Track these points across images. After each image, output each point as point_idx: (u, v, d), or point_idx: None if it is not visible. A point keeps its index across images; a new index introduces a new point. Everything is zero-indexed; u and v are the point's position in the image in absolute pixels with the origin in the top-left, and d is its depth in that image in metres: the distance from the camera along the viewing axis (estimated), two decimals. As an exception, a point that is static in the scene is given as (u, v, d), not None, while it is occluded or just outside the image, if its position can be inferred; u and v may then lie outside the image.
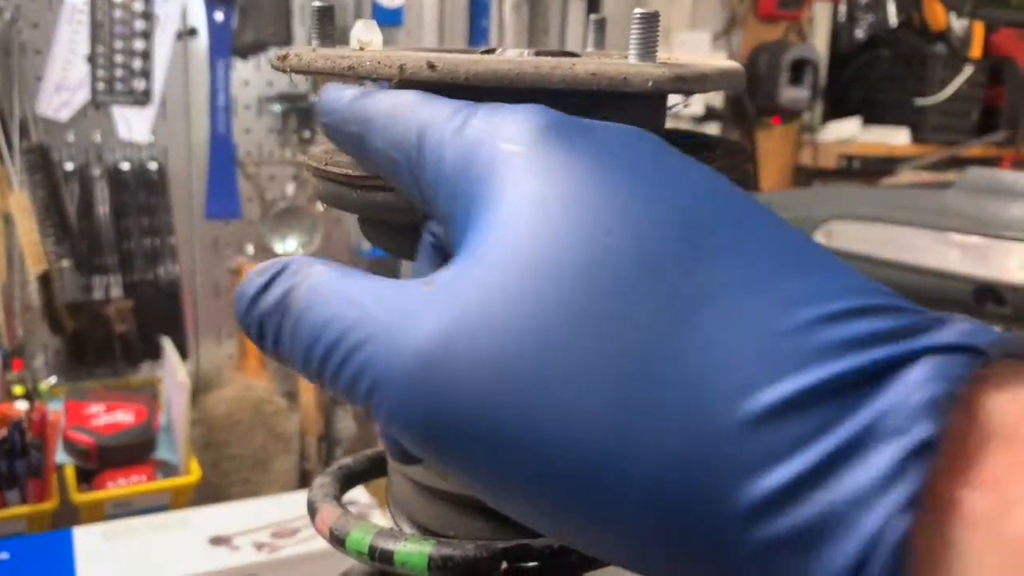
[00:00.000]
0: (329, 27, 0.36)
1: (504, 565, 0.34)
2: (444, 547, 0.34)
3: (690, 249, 0.20)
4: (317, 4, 0.35)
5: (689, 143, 0.34)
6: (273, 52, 1.72)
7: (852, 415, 0.17)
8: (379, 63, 0.30)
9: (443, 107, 0.26)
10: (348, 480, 0.46)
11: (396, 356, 0.21)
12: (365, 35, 0.35)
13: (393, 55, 0.30)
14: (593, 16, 0.39)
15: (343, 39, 0.35)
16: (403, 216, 0.33)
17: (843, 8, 2.50)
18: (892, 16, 2.47)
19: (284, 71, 0.34)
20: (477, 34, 1.80)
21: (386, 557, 0.35)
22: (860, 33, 2.51)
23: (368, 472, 0.47)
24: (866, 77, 2.53)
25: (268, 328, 0.24)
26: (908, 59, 2.48)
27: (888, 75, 2.53)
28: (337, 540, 0.37)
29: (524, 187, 0.22)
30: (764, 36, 2.32)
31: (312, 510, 0.42)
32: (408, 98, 0.27)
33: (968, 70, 2.46)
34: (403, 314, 0.21)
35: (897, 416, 0.17)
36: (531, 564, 0.34)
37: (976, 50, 2.47)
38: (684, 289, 0.19)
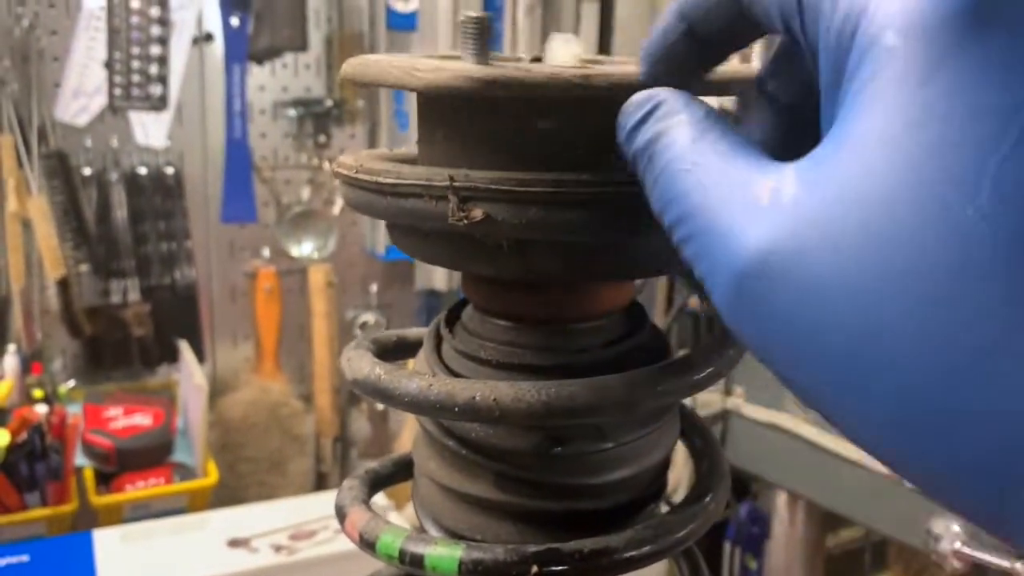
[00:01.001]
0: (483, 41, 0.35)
1: (534, 569, 0.34)
2: (474, 551, 0.34)
3: None
4: (469, 15, 0.34)
5: None
6: (288, 56, 1.72)
7: None
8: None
9: None
10: (375, 484, 0.46)
11: (725, 260, 0.22)
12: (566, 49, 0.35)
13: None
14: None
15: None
16: (433, 222, 0.33)
17: None
18: None
19: None
20: (491, 38, 1.79)
21: (417, 561, 0.35)
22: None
23: (394, 475, 0.47)
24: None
25: (639, 165, 0.26)
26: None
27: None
28: (367, 543, 0.37)
29: (893, 107, 0.19)
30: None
31: (341, 514, 0.42)
32: None
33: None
34: (740, 214, 0.22)
35: None
36: (560, 568, 0.34)
37: None
38: None
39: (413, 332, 0.48)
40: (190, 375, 1.51)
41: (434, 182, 0.32)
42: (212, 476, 1.48)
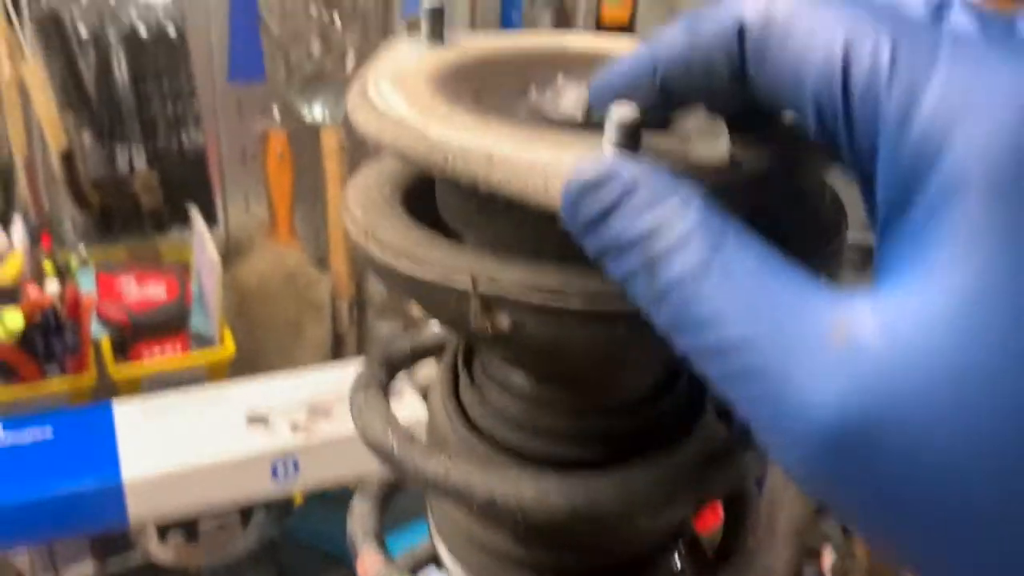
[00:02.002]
0: (439, 27, 0.33)
1: None
2: None
3: None
4: (428, 5, 0.33)
5: None
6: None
7: None
8: None
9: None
10: (388, 499, 0.44)
11: (794, 421, 0.18)
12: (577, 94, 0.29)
13: None
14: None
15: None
16: (453, 318, 0.29)
17: None
18: None
19: None
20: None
21: None
22: None
23: (396, 487, 0.45)
24: None
25: (618, 264, 0.22)
26: None
27: None
28: None
29: (1000, 258, 0.17)
30: None
31: (353, 548, 0.40)
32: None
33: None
34: (807, 361, 0.18)
35: None
36: None
37: None
38: None
39: (427, 337, 0.45)
40: (203, 245, 1.48)
41: (455, 283, 0.28)
42: (229, 346, 1.48)
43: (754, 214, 0.28)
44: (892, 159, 0.19)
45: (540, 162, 0.25)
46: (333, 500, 1.42)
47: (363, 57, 1.69)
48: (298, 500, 1.45)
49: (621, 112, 0.23)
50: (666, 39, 0.23)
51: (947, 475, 0.17)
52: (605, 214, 0.22)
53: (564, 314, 0.26)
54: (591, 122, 0.28)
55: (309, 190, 1.76)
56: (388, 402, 0.37)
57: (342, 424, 1.31)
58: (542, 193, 0.24)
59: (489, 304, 0.27)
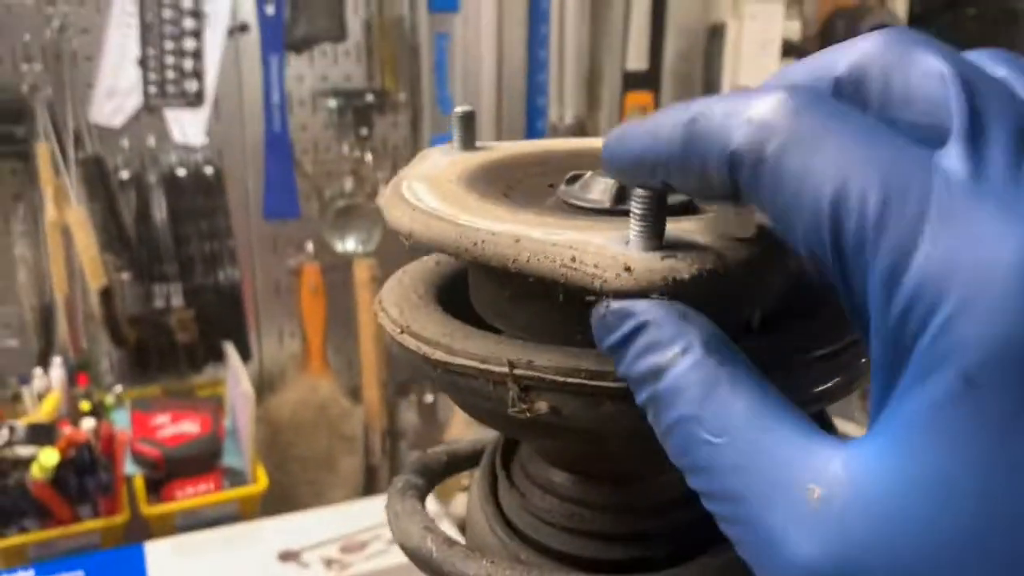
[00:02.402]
0: (470, 132, 0.34)
1: None
2: None
3: None
4: (459, 111, 0.33)
5: None
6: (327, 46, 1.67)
7: None
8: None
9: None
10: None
11: (772, 569, 0.20)
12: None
13: None
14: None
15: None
16: (490, 405, 0.28)
17: (923, -36, 2.35)
18: (977, -30, 2.31)
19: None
20: (537, 16, 1.73)
21: None
22: (941, -10, 2.36)
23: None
24: (950, 39, 2.38)
25: (636, 394, 0.23)
26: (996, 19, 2.33)
27: (975, 36, 2.38)
28: None
29: (977, 447, 0.18)
30: (839, 1, 2.20)
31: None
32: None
33: (1061, 26, 2.31)
34: (784, 515, 0.20)
35: None
36: None
37: (1070, 4, 2.31)
38: None
39: (464, 446, 0.43)
40: (237, 380, 1.48)
41: (491, 367, 0.27)
42: (262, 482, 1.46)
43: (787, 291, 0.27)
44: (882, 321, 0.19)
45: (565, 241, 0.25)
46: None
47: (394, 190, 1.73)
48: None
49: (641, 194, 0.23)
50: (664, 135, 0.22)
51: None
52: (619, 347, 0.23)
53: (602, 394, 0.25)
54: (617, 209, 0.28)
55: (341, 322, 1.78)
56: (425, 509, 0.36)
57: (377, 559, 1.27)
58: (570, 272, 0.24)
59: (527, 388, 0.26)
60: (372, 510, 1.40)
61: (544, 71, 1.74)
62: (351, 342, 1.79)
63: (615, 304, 0.23)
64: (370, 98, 1.67)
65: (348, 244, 1.69)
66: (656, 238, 0.24)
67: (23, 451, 1.27)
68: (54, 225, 1.36)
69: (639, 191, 0.23)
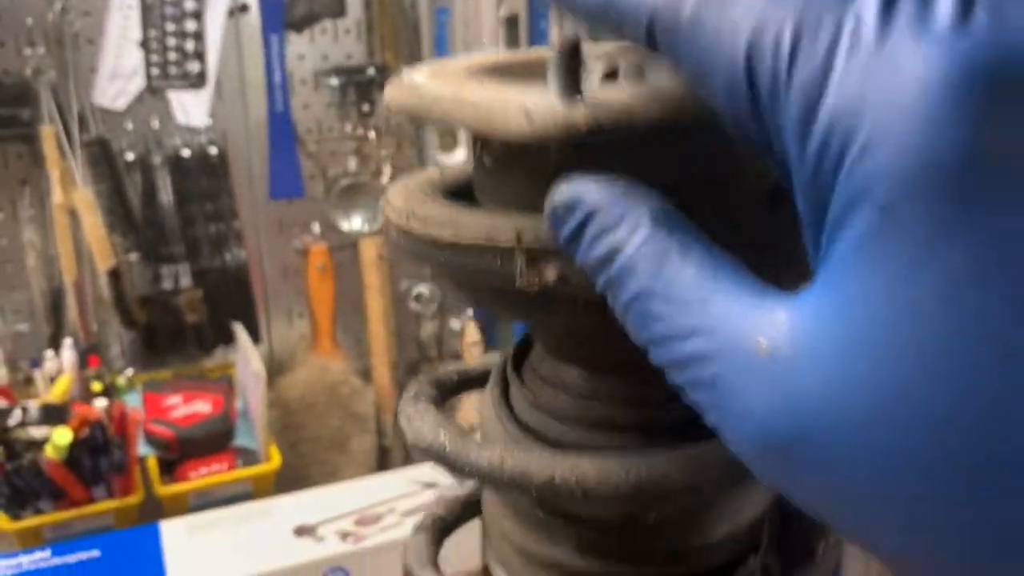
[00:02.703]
0: (515, 34, 0.34)
1: None
2: None
3: None
4: (503, 13, 0.32)
5: None
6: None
7: None
8: None
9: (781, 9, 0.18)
10: (443, 532, 0.42)
11: (736, 425, 0.20)
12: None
13: None
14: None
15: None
16: (499, 282, 0.28)
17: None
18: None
19: None
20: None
21: None
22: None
23: (461, 519, 0.43)
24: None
25: (595, 280, 0.23)
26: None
27: None
28: None
29: (900, 276, 0.17)
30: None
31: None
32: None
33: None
34: (740, 372, 0.20)
35: None
36: None
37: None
38: None
39: (475, 365, 0.43)
40: (247, 360, 1.48)
41: (499, 241, 0.27)
42: (275, 460, 1.47)
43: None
44: (801, 167, 0.18)
45: (482, 98, 0.25)
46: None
47: (398, 168, 1.73)
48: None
49: (557, 48, 0.24)
50: None
51: (862, 471, 0.18)
52: (574, 238, 0.23)
53: None
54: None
55: (350, 302, 1.78)
56: (438, 411, 0.35)
57: (392, 531, 1.27)
58: (500, 129, 0.25)
59: (534, 259, 0.26)
60: (386, 485, 1.40)
61: (546, 43, 1.73)
62: (360, 323, 1.79)
63: (560, 196, 0.24)
64: (371, 73, 1.67)
65: (354, 223, 1.69)
66: (570, 90, 0.24)
67: (36, 432, 1.28)
68: (61, 208, 1.36)
69: (556, 44, 0.23)
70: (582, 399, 0.33)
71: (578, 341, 0.33)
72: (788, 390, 0.19)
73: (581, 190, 0.23)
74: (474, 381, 0.43)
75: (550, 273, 0.26)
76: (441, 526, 0.42)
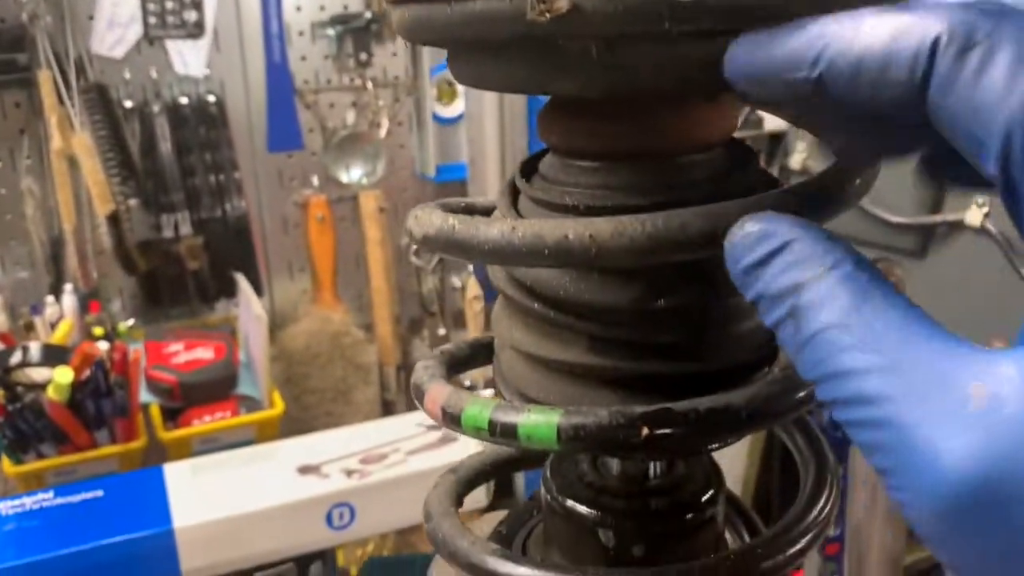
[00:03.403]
0: None
1: (644, 431, 0.30)
2: (574, 416, 0.30)
3: None
4: None
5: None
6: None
7: None
8: None
9: None
10: (453, 365, 0.42)
11: (930, 479, 0.19)
12: None
13: None
14: None
15: None
16: (509, 26, 0.27)
17: None
18: None
19: None
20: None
21: (509, 431, 0.30)
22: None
23: (473, 358, 0.42)
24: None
25: (768, 312, 0.23)
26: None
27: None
28: (451, 418, 0.32)
29: None
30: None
31: (419, 392, 0.38)
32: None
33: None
34: (945, 421, 0.19)
35: None
36: (674, 430, 0.29)
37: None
38: None
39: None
40: (249, 306, 1.48)
41: None
42: (278, 406, 1.47)
43: None
44: None
45: None
46: (388, 568, 1.37)
47: (395, 119, 1.73)
48: (353, 572, 1.40)
49: None
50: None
51: None
52: (760, 264, 0.23)
53: None
54: None
55: (351, 255, 1.78)
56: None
57: (397, 467, 1.27)
58: None
59: None
60: (392, 427, 1.40)
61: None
62: (361, 277, 1.79)
63: (751, 226, 0.24)
64: (368, 17, 1.66)
65: (353, 174, 1.69)
66: None
67: (37, 374, 1.28)
68: (59, 154, 1.36)
69: None
70: (592, 189, 0.33)
71: (588, 121, 0.32)
72: (1010, 434, 0.18)
73: (775, 223, 0.24)
74: (483, 211, 0.42)
75: (562, 2, 0.26)
76: (451, 359, 0.42)
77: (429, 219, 0.33)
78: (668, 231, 0.28)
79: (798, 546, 0.33)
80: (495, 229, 0.30)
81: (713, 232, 0.28)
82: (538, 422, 0.30)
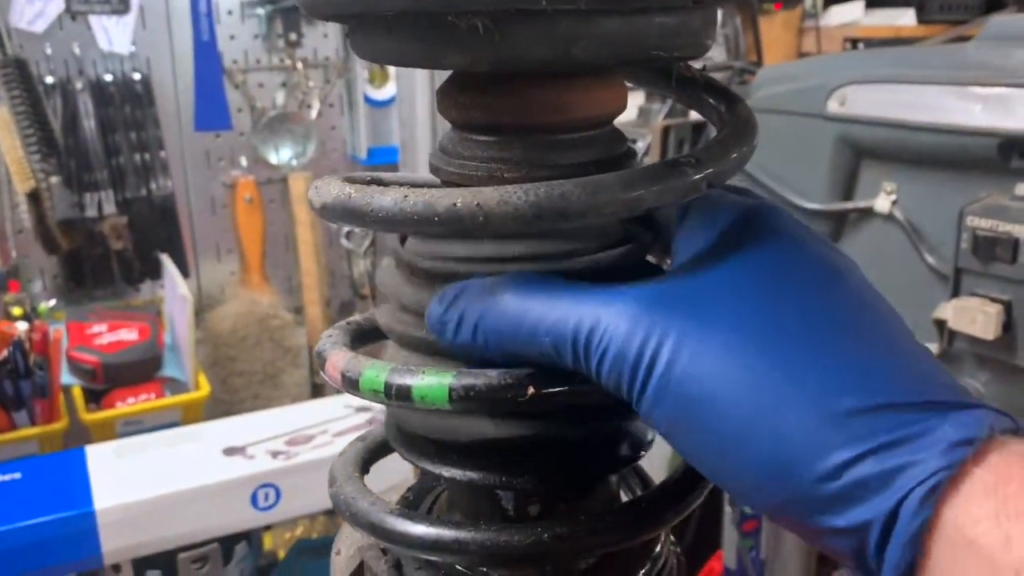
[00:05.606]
0: None
1: (531, 391, 0.32)
2: (465, 376, 0.31)
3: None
4: None
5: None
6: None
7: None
8: None
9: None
10: (357, 336, 0.43)
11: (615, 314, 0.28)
12: None
13: None
14: None
15: None
16: (401, 2, 0.29)
17: None
18: None
19: None
20: None
21: (404, 393, 0.32)
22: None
23: (378, 331, 0.44)
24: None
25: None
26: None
27: None
28: (350, 382, 0.34)
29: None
30: None
31: (321, 358, 0.39)
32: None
33: (976, -57, 2.36)
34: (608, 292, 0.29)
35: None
36: (559, 388, 0.31)
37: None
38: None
39: (395, 173, 0.44)
40: (174, 288, 1.47)
41: None
42: (204, 388, 1.46)
43: None
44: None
45: None
46: (317, 551, 1.38)
47: (326, 101, 1.72)
48: (281, 555, 1.40)
49: None
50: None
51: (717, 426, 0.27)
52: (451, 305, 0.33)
53: None
54: None
55: (280, 238, 1.77)
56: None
57: (324, 448, 1.28)
58: None
59: None
60: (319, 410, 1.40)
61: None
62: (291, 259, 1.79)
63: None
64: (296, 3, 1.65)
65: (283, 156, 1.68)
66: None
67: (-48, 355, 1.25)
68: (-24, 129, 1.32)
69: None
70: (485, 163, 0.35)
71: (480, 96, 0.34)
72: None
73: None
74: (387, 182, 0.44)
75: None
76: (356, 329, 0.43)
77: (327, 188, 0.35)
78: (549, 200, 0.30)
79: (685, 500, 0.35)
80: (388, 197, 0.32)
81: (592, 204, 0.30)
82: (431, 383, 0.32)
